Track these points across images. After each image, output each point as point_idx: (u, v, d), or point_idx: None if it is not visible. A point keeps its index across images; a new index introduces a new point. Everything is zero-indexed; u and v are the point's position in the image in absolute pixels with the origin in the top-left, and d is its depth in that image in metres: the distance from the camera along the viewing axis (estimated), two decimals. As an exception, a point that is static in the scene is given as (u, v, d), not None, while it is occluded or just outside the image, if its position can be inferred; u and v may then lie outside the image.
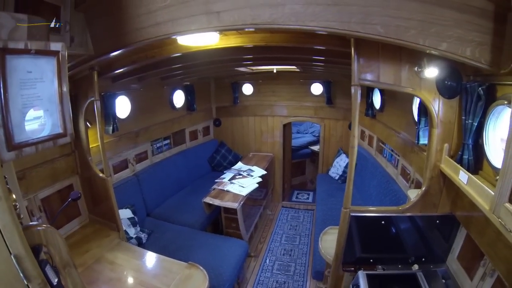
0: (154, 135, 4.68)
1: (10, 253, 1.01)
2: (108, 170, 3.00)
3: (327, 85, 5.58)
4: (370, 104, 4.65)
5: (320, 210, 4.56)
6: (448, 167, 2.08)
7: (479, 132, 1.91)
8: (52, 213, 2.76)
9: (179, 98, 5.23)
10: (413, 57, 1.96)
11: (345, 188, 4.93)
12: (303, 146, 7.58)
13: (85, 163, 3.10)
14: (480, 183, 1.65)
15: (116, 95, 3.68)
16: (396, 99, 3.88)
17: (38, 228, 1.15)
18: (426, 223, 2.34)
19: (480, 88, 1.79)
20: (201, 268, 2.52)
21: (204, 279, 2.40)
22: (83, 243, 2.84)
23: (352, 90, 1.99)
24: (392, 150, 3.96)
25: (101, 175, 2.99)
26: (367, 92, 4.62)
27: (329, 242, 2.86)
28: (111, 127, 3.59)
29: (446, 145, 2.14)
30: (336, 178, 5.50)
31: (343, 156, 5.62)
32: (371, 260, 2.43)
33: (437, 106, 2.10)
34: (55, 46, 1.28)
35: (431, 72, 1.94)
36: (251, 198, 4.56)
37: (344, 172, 5.35)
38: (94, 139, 3.22)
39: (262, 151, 6.30)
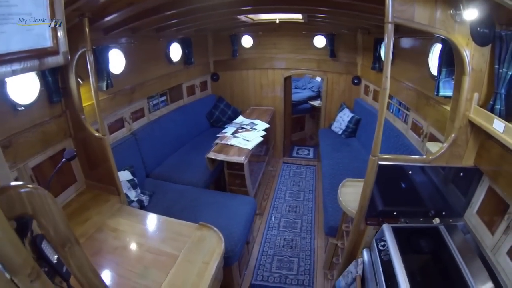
0: (151, 90, 4.42)
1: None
2: (104, 128, 2.77)
3: (330, 38, 5.30)
4: (378, 58, 4.43)
5: (327, 164, 4.47)
6: (479, 116, 1.98)
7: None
8: (46, 182, 2.49)
9: (176, 52, 4.90)
10: None
11: (351, 143, 4.96)
12: (302, 101, 7.40)
13: (78, 123, 2.84)
14: (521, 131, 1.58)
15: (109, 48, 3.37)
16: (407, 52, 3.68)
17: (20, 190, 0.78)
18: (449, 176, 2.26)
19: None
20: (215, 228, 2.39)
21: (219, 241, 2.28)
22: (82, 212, 2.63)
23: (385, 30, 1.79)
24: (400, 104, 3.83)
25: (96, 134, 2.75)
26: (375, 45, 4.40)
27: (348, 195, 2.77)
28: (105, 83, 3.30)
29: (476, 94, 2.02)
30: (340, 133, 5.39)
31: (346, 110, 5.47)
32: (395, 213, 2.37)
33: (469, 52, 1.95)
34: None
35: (471, 14, 1.77)
36: (255, 154, 4.44)
37: (348, 127, 5.23)
38: (86, 97, 2.95)
39: (263, 105, 6.11)
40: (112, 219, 2.60)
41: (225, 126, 4.97)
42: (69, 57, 1.11)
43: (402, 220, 2.35)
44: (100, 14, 2.57)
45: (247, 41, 5.76)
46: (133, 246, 2.33)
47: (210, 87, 6.14)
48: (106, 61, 3.31)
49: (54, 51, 0.99)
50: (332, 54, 5.42)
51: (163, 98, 4.83)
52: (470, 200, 2.26)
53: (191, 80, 5.48)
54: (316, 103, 7.24)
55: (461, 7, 1.77)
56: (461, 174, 2.22)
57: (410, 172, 2.23)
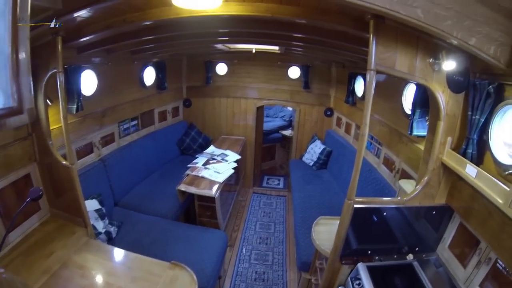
0: (122, 115, 4.26)
1: None
2: (72, 156, 2.59)
3: (305, 70, 5.45)
4: (352, 92, 4.57)
5: (298, 197, 4.46)
6: (452, 160, 2.09)
7: (483, 128, 1.93)
8: (7, 210, 2.31)
9: (149, 75, 4.80)
10: (429, 48, 1.91)
11: (322, 175, 4.98)
12: (273, 131, 7.46)
13: (44, 148, 2.63)
14: (492, 178, 1.72)
15: (82, 68, 3.22)
16: (381, 88, 3.79)
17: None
18: (421, 212, 2.33)
19: (490, 86, 1.80)
20: (188, 269, 2.25)
21: (192, 282, 2.15)
22: (46, 244, 2.41)
23: (367, 76, 1.84)
24: (372, 138, 3.92)
25: (64, 162, 2.56)
26: (349, 79, 4.54)
27: (322, 234, 2.76)
28: (75, 106, 3.15)
29: (449, 138, 2.14)
30: (311, 164, 5.43)
31: (317, 142, 5.55)
32: (369, 252, 2.37)
33: (444, 99, 2.06)
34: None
35: (449, 65, 1.89)
36: (225, 184, 4.36)
37: (319, 158, 5.29)
38: (54, 119, 2.78)
39: (234, 135, 6.07)
40: (78, 254, 2.38)
41: (196, 156, 4.85)
42: (35, 114, 0.96)
43: (377, 258, 2.36)
44: (75, 35, 2.46)
45: (221, 68, 5.77)
46: (101, 286, 2.13)
47: (182, 113, 6.05)
48: (77, 82, 3.16)
49: (17, 111, 0.82)
50: (306, 86, 5.54)
51: (134, 122, 4.66)
52: (442, 235, 2.34)
53: (163, 106, 5.37)
54: (287, 132, 7.33)
55: (440, 57, 1.88)
56: (434, 212, 2.30)
57: (384, 212, 2.27)
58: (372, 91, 1.87)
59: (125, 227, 3.38)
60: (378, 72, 1.83)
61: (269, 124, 7.62)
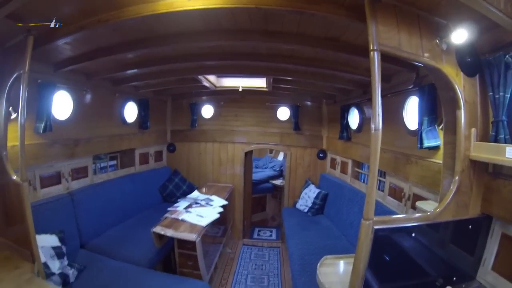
0: (98, 148, 3.88)
1: None
2: (25, 172, 2.17)
3: (295, 110, 5.26)
4: (345, 126, 4.36)
5: (294, 244, 3.90)
6: (484, 151, 1.79)
7: (511, 106, 1.71)
8: None
9: (131, 112, 4.53)
10: (431, 27, 1.76)
11: (319, 221, 4.49)
12: (263, 180, 7.04)
13: (-2, 162, 2.29)
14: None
15: (56, 87, 3.00)
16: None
17: None
18: (454, 231, 1.91)
19: (507, 56, 1.64)
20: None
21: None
22: None
23: (372, 57, 1.55)
24: (372, 172, 3.58)
25: (14, 177, 2.22)
26: (342, 113, 4.35)
27: (330, 276, 2.24)
28: (42, 124, 2.84)
29: (473, 129, 1.86)
30: (306, 210, 4.95)
31: (311, 186, 5.16)
32: (397, 291, 1.85)
33: (460, 84, 1.83)
34: None
35: (458, 37, 1.70)
36: (210, 235, 3.87)
37: (315, 203, 4.85)
38: (16, 136, 2.41)
39: (221, 182, 5.63)
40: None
41: (178, 200, 4.40)
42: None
43: (407, 298, 1.87)
44: (48, 37, 2.24)
45: (207, 111, 5.54)
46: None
47: (165, 158, 5.68)
48: (49, 100, 2.93)
49: None
50: (296, 127, 5.31)
51: (113, 162, 4.28)
52: (480, 256, 1.94)
53: (145, 147, 5.03)
54: (278, 182, 6.92)
55: (447, 32, 1.72)
56: (470, 227, 1.90)
57: (408, 237, 1.85)
58: (378, 74, 1.54)
59: (88, 272, 2.83)
60: (382, 52, 1.56)
61: (259, 174, 7.22)
